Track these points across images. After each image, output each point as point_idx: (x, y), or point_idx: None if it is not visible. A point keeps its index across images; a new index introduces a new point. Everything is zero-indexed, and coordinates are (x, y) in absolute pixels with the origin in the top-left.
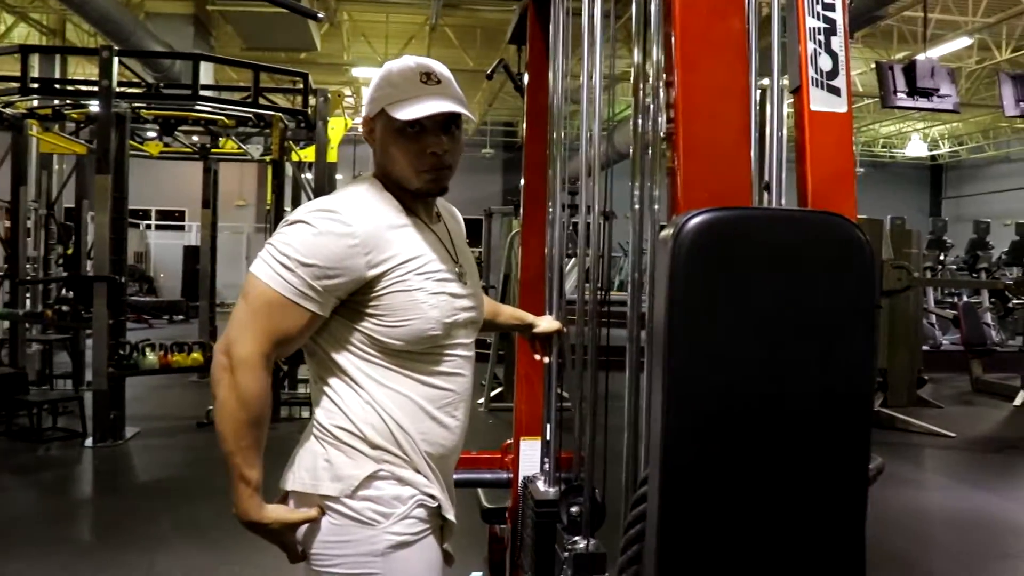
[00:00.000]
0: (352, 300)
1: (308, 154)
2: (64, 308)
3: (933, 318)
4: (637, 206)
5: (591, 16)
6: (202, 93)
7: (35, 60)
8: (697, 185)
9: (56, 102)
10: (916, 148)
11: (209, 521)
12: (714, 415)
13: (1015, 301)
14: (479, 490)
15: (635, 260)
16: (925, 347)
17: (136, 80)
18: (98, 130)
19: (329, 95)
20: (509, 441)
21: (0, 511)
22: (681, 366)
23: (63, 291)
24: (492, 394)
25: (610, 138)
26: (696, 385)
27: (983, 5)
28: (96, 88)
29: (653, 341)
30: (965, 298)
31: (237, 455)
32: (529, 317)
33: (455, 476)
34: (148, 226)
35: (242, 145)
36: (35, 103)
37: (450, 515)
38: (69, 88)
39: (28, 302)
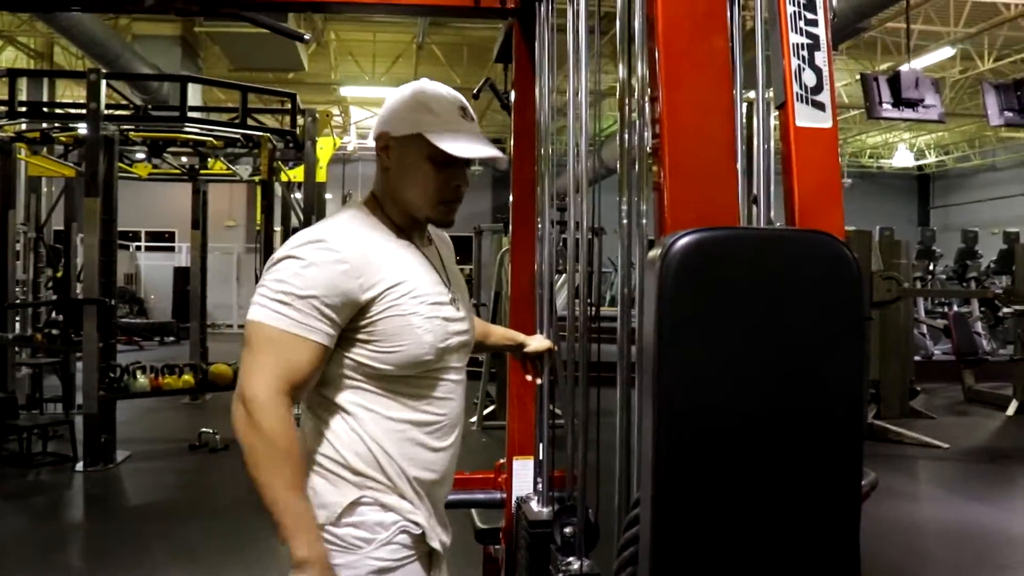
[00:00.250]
0: (347, 327)
1: (297, 174)
2: (54, 331)
3: (924, 328)
4: (625, 221)
5: (576, 33)
6: (190, 115)
7: (23, 83)
8: (683, 201)
9: (44, 125)
10: (903, 158)
11: (202, 544)
12: (705, 435)
13: (1005, 310)
14: (473, 510)
15: (624, 276)
16: (916, 357)
17: (124, 102)
18: (87, 153)
19: (317, 115)
20: (502, 460)
21: None
22: (671, 387)
23: (53, 314)
24: (485, 412)
25: (597, 154)
26: (686, 406)
27: (965, 15)
28: (84, 111)
29: (642, 361)
30: (955, 308)
31: (282, 497)
32: (520, 337)
33: (448, 497)
34: (138, 248)
35: (231, 166)
36: (23, 126)
37: (435, 543)
38: (57, 111)
39: (17, 325)
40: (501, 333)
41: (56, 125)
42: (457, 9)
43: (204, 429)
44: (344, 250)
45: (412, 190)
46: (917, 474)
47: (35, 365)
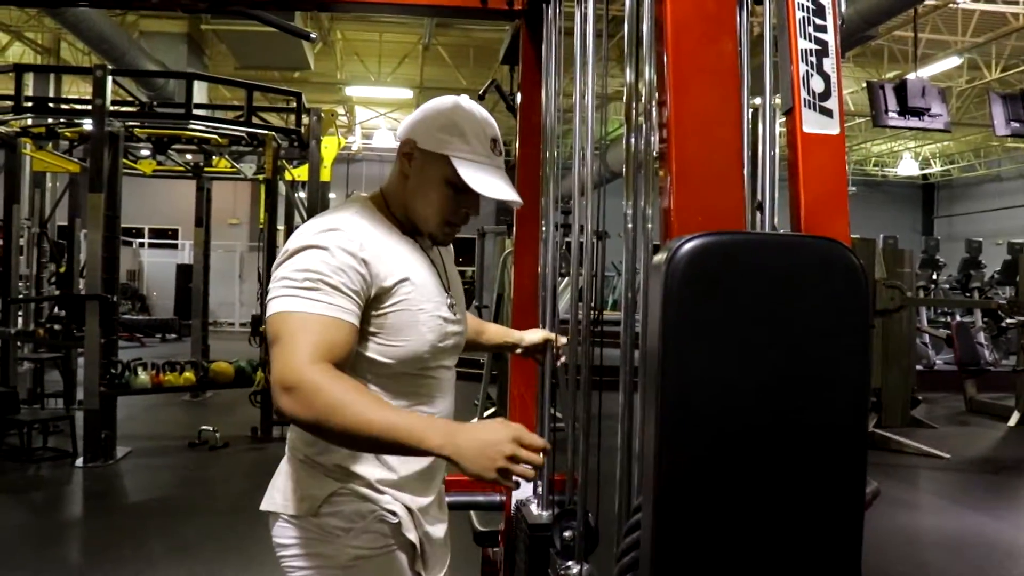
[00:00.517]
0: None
1: (301, 173)
2: (56, 327)
3: (926, 338)
4: (630, 225)
5: (584, 36)
6: (195, 112)
7: (29, 79)
8: (690, 206)
9: (50, 120)
10: (908, 167)
11: (200, 541)
12: (708, 441)
13: (1008, 321)
14: (472, 512)
15: (628, 280)
16: (919, 367)
17: (130, 99)
18: (91, 149)
19: (322, 114)
20: None
21: None
22: (674, 392)
23: (55, 310)
24: (485, 414)
25: (603, 157)
26: (690, 411)
27: (972, 25)
28: (90, 107)
29: (646, 366)
30: (958, 318)
31: (380, 420)
32: (514, 335)
33: (447, 499)
34: (141, 244)
35: (235, 164)
36: (29, 121)
37: (412, 535)
38: (63, 107)
39: (20, 320)
40: (496, 331)
41: (62, 120)
42: (464, 10)
43: (204, 426)
44: (361, 239)
45: (423, 203)
46: (918, 484)
47: (37, 360)
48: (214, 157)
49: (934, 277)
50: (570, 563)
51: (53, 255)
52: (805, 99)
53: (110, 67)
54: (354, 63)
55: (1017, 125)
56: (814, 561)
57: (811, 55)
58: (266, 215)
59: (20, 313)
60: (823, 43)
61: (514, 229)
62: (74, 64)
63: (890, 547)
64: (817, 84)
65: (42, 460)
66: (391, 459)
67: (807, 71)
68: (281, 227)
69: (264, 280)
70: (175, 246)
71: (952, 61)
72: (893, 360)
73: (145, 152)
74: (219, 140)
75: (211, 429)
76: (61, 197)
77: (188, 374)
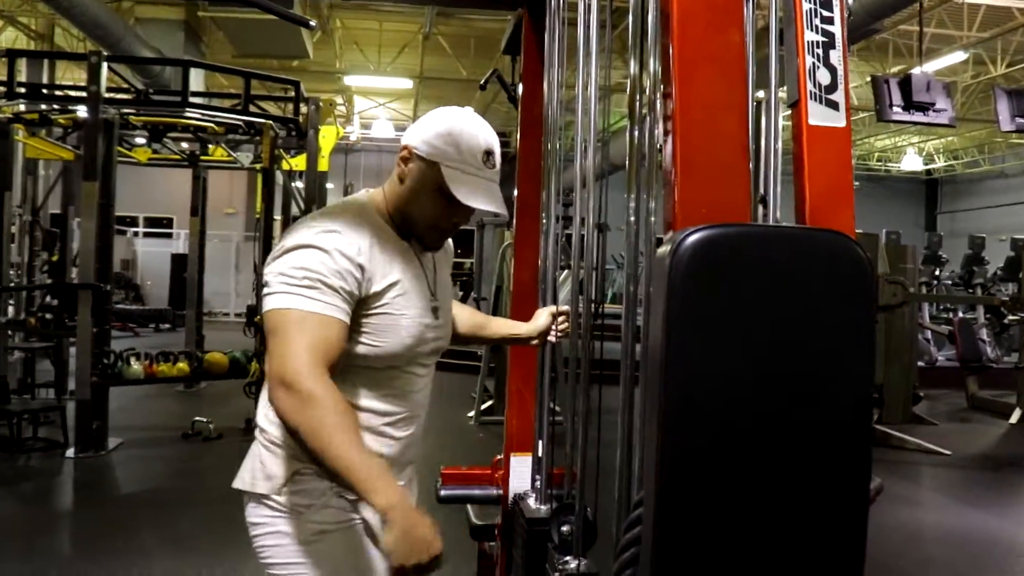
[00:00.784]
0: None
1: (299, 162)
2: (48, 316)
3: (929, 334)
4: (632, 218)
5: (587, 26)
6: (192, 100)
7: (23, 64)
8: (694, 199)
9: (43, 107)
10: (911, 162)
11: (193, 533)
12: (711, 436)
13: (1011, 317)
14: (468, 506)
15: (630, 273)
16: (920, 363)
17: (125, 86)
18: (86, 136)
19: (321, 103)
20: (499, 456)
21: None
22: (678, 386)
23: (47, 298)
24: (482, 407)
25: (605, 149)
26: (693, 405)
27: (978, 20)
28: (84, 93)
29: (649, 359)
30: (961, 314)
31: (347, 457)
32: (523, 327)
33: (443, 492)
34: (135, 233)
35: (232, 153)
36: (22, 107)
37: (367, 513)
38: (57, 93)
39: (11, 309)
40: (500, 325)
41: (55, 107)
42: None
43: (198, 418)
44: (359, 242)
45: (415, 208)
46: (919, 480)
47: (28, 349)
48: (210, 146)
49: (937, 273)
50: (568, 558)
51: (46, 243)
52: (811, 91)
53: (105, 54)
54: (353, 52)
55: (1022, 120)
56: (818, 557)
57: (818, 47)
58: (263, 205)
59: (11, 302)
60: (830, 35)
61: (514, 221)
62: (68, 50)
63: (892, 543)
64: (823, 76)
65: (32, 451)
66: (373, 420)
67: (813, 63)
68: (278, 217)
69: (260, 271)
70: (170, 235)
71: (957, 56)
72: (895, 356)
73: (140, 140)
74: (215, 129)
75: (205, 420)
76: (54, 185)
77: (182, 364)
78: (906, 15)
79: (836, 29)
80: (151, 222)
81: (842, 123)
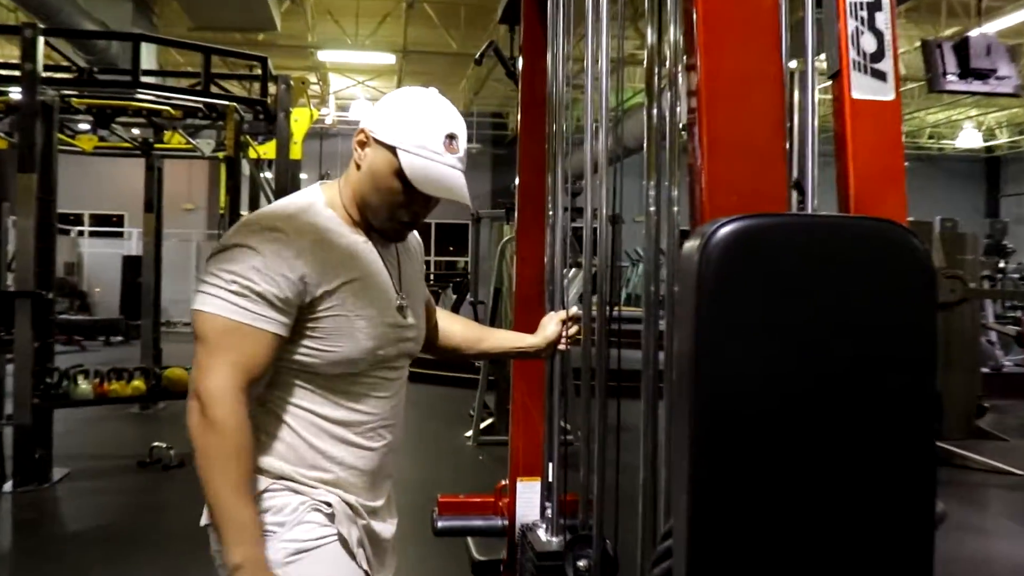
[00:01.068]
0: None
1: (267, 150)
2: None
3: (993, 335)
4: (652, 208)
5: None
6: (143, 79)
7: None
8: (724, 185)
9: None
10: (969, 138)
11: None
12: (752, 455)
13: None
14: (468, 539)
15: (650, 271)
16: (984, 369)
17: (66, 64)
18: (21, 121)
19: (292, 82)
20: (504, 482)
21: None
22: (710, 399)
23: None
24: (482, 426)
25: (619, 130)
26: (730, 420)
27: None
28: (18, 73)
29: (677, 368)
30: None
31: (224, 498)
32: (528, 339)
33: (440, 524)
34: (81, 233)
35: (191, 140)
36: None
37: (345, 528)
38: None
39: None
40: (502, 337)
41: None
42: None
43: (156, 443)
44: (299, 242)
45: (373, 197)
46: (987, 505)
47: None
48: (166, 132)
49: (1001, 265)
50: None
51: None
52: (854, 60)
53: (41, 26)
54: (327, 23)
55: None
56: None
57: (861, 9)
58: (227, 199)
59: None
60: None
61: (515, 213)
62: None
63: None
64: (868, 43)
65: None
66: (326, 462)
67: (857, 28)
68: (244, 212)
69: None
70: (121, 235)
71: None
72: (955, 362)
73: (84, 126)
74: (171, 112)
75: (164, 446)
76: None
77: (137, 382)
78: None
79: None
80: (99, 220)
81: (890, 96)
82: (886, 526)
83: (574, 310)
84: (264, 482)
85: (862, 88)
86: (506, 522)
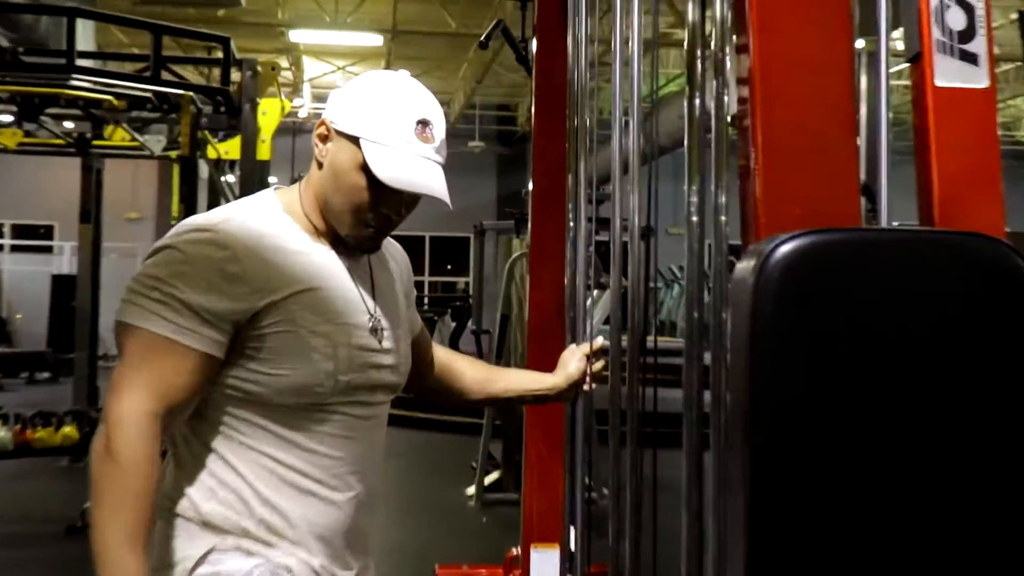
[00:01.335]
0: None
1: (231, 148)
2: None
3: None
4: (695, 218)
5: None
6: (79, 63)
7: None
8: (784, 193)
9: None
10: None
11: None
12: (823, 517)
13: None
14: None
15: (693, 294)
16: None
17: None
18: None
19: (259, 68)
20: (515, 550)
21: None
22: (772, 449)
23: None
24: (486, 482)
25: (653, 124)
26: (795, 475)
27: None
28: None
29: (729, 413)
30: None
31: (112, 547)
32: (544, 379)
33: None
34: (0, 247)
35: (137, 136)
36: None
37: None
38: None
39: None
40: (516, 379)
41: None
42: None
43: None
44: (235, 245)
45: (335, 198)
46: None
47: None
48: (106, 127)
49: None
50: None
51: None
52: (939, 40)
53: None
54: None
55: None
56: None
57: None
58: (181, 207)
59: None
60: None
61: (529, 225)
62: None
63: None
64: (956, 19)
65: None
66: (279, 519)
67: (941, 1)
68: None
69: None
70: (50, 250)
71: None
72: None
73: (7, 118)
74: (113, 103)
75: None
76: None
77: (67, 430)
78: None
79: None
80: (23, 231)
81: (984, 83)
82: None
83: (600, 341)
84: (208, 540)
85: (948, 74)
86: None
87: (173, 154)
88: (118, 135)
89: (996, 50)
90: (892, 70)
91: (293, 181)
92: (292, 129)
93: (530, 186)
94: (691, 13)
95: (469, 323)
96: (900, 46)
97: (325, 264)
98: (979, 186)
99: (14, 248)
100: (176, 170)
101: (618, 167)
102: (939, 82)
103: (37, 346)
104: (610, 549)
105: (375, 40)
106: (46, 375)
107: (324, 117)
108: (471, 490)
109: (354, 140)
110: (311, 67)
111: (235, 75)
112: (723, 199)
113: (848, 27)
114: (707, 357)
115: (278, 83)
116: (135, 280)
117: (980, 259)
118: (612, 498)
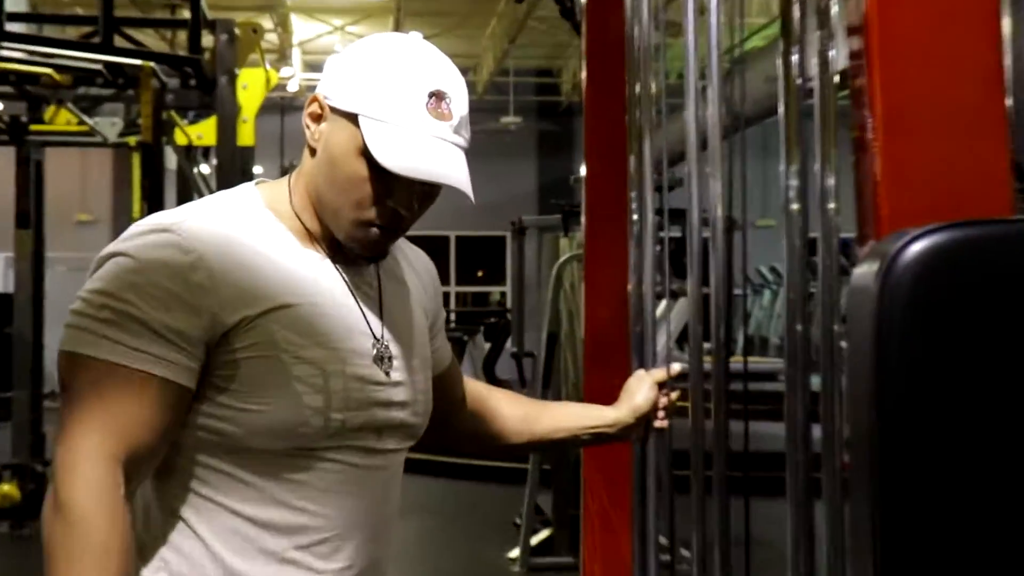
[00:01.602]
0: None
1: (205, 132)
2: None
3: None
4: (794, 207)
5: None
6: (8, 28)
7: None
8: (912, 172)
9: None
10: None
11: None
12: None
13: None
14: None
15: (794, 302)
16: None
17: None
18: None
19: (237, 31)
20: None
21: None
22: (908, 497)
23: None
24: (534, 541)
25: (737, 88)
26: (938, 531)
27: None
28: None
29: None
30: None
31: None
32: (604, 413)
33: None
34: None
35: (85, 118)
36: None
37: None
38: None
39: None
40: (567, 414)
41: None
42: None
43: None
44: (201, 248)
45: (331, 191)
46: None
47: None
48: (47, 107)
49: None
50: None
51: None
52: None
53: None
54: None
55: None
56: None
57: None
58: (143, 205)
59: None
60: None
61: (582, 219)
62: None
63: None
64: None
65: None
66: (274, 543)
67: None
68: None
69: None
70: None
71: None
72: None
73: None
74: (54, 77)
75: None
76: None
77: (7, 488)
78: None
79: None
80: None
81: None
82: None
83: (677, 367)
84: None
85: None
86: None
87: (132, 140)
88: (62, 118)
89: None
90: None
91: (283, 172)
92: (280, 107)
93: (582, 171)
94: None
95: (507, 344)
96: None
97: (316, 274)
98: None
99: None
100: (136, 160)
101: (694, 144)
102: None
103: None
104: None
105: None
106: None
107: (317, 92)
108: (515, 553)
109: (352, 118)
110: (301, 28)
111: (207, 40)
112: (831, 182)
113: None
114: (814, 382)
115: (261, 49)
116: (79, 299)
117: None
118: (696, 561)
